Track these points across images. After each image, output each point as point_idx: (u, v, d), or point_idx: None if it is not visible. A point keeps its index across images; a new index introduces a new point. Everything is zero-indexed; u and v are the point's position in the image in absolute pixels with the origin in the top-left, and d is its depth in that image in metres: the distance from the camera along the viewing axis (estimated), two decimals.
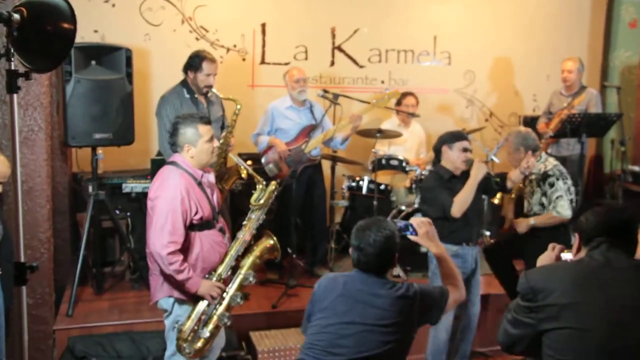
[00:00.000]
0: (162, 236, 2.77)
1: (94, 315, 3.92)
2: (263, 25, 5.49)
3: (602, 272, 2.00)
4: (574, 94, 5.26)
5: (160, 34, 5.19)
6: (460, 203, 3.46)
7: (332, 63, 5.73)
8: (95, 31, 4.98)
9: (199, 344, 2.89)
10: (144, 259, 4.42)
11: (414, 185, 5.01)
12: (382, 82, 5.84)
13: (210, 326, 2.91)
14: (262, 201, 3.09)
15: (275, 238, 3.11)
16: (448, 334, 3.63)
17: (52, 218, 3.82)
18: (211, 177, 3.06)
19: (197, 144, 2.91)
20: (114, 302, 4.15)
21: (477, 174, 3.50)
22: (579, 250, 2.14)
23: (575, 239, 2.16)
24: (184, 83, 4.16)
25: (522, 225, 3.84)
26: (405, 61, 5.90)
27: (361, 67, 5.80)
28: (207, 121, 2.99)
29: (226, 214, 4.28)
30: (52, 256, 3.80)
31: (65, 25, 1.98)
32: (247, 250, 3.06)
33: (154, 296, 3.00)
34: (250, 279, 3.00)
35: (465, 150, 3.57)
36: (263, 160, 4.70)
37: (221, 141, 3.98)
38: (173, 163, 2.95)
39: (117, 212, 4.42)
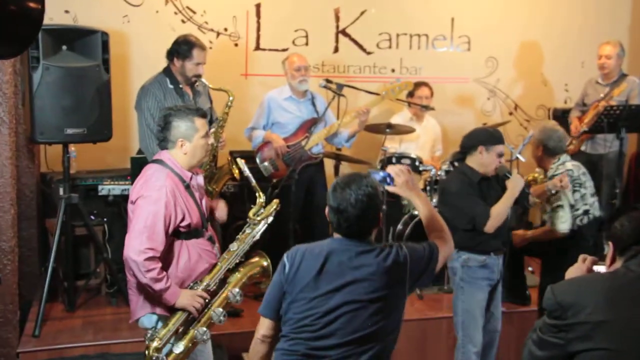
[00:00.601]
0: (139, 241, 2.76)
1: (65, 335, 3.90)
2: (257, 6, 5.47)
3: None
4: (613, 82, 5.24)
5: (141, 16, 5.17)
6: (495, 219, 3.47)
7: (336, 49, 5.71)
8: (67, 12, 4.96)
9: (171, 359, 2.88)
10: (122, 271, 4.40)
11: (428, 187, 4.99)
12: (393, 70, 5.83)
13: (185, 341, 2.89)
14: (259, 218, 3.11)
15: (269, 261, 3.11)
16: (478, 356, 3.63)
17: (17, 224, 3.81)
18: (200, 180, 3.06)
19: (193, 139, 2.91)
20: (87, 319, 4.14)
21: (515, 188, 3.51)
22: (613, 260, 2.12)
23: (609, 248, 2.14)
24: (167, 72, 4.15)
25: (518, 238, 3.83)
26: (418, 47, 5.89)
27: (369, 53, 5.79)
28: (203, 114, 3.00)
29: (216, 221, 4.27)
30: (17, 268, 3.79)
31: (32, 5, 1.96)
32: (238, 265, 3.07)
33: (135, 313, 2.99)
34: (238, 297, 2.99)
35: (500, 155, 3.58)
36: (257, 157, 4.69)
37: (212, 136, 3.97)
38: (159, 161, 2.94)
39: (92, 217, 4.41)
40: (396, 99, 4.93)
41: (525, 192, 3.70)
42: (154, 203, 2.80)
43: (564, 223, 3.82)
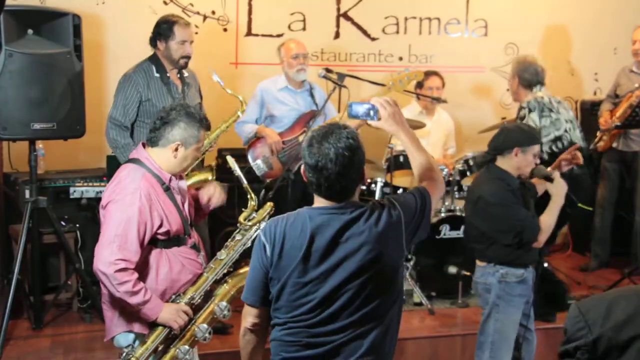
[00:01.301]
0: (109, 251, 2.76)
1: (31, 356, 3.88)
2: None
3: None
4: None
5: None
6: (546, 232, 3.46)
7: (337, 35, 5.71)
8: None
9: None
10: (96, 284, 4.41)
11: None
12: (400, 58, 5.83)
13: None
14: (251, 223, 3.10)
15: None
16: None
17: None
18: (182, 184, 3.06)
19: (190, 147, 2.95)
20: (57, 338, 4.12)
21: (560, 194, 3.49)
22: None
23: None
24: (152, 59, 4.20)
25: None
26: (429, 32, 5.90)
27: (373, 39, 5.79)
28: (208, 127, 3.05)
29: (202, 226, 4.24)
30: None
31: None
32: (226, 275, 3.06)
33: (109, 331, 2.98)
34: (225, 312, 2.98)
35: (535, 156, 3.54)
36: (249, 155, 4.66)
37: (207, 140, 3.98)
38: (135, 160, 2.94)
39: (63, 223, 4.39)
40: (404, 90, 4.88)
41: (570, 197, 3.65)
42: (126, 208, 2.79)
43: None
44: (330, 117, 4.70)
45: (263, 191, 4.45)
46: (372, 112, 2.44)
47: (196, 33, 5.04)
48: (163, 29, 4.12)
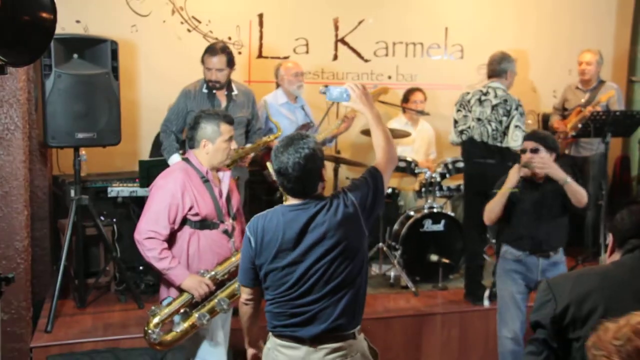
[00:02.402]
0: (144, 223, 2.96)
1: (76, 331, 3.89)
2: (260, 16, 5.47)
3: (636, 280, 1.95)
4: (592, 88, 5.25)
5: (149, 25, 5.16)
6: (487, 209, 3.66)
7: (335, 57, 5.71)
8: (78, 21, 4.95)
9: (168, 337, 2.95)
10: (130, 269, 4.45)
11: (423, 189, 4.99)
12: (389, 77, 5.83)
13: (186, 324, 2.96)
14: None
15: None
16: (514, 342, 3.62)
17: (30, 225, 3.79)
18: (224, 176, 3.15)
19: (216, 141, 3.04)
20: (97, 316, 4.13)
21: (508, 182, 3.59)
22: (612, 252, 2.09)
23: (609, 239, 2.12)
24: None
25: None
26: (414, 55, 5.89)
27: (366, 61, 5.78)
28: (230, 121, 3.10)
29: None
30: (30, 267, 3.78)
31: (44, 15, 1.96)
32: None
33: (160, 296, 3.13)
34: None
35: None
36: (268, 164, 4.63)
37: (240, 149, 3.98)
38: (185, 159, 3.12)
39: (102, 218, 4.39)
40: (392, 104, 4.92)
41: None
42: (162, 191, 2.98)
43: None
44: (316, 128, 4.72)
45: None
46: (345, 95, 2.53)
47: None
48: (203, 55, 4.14)
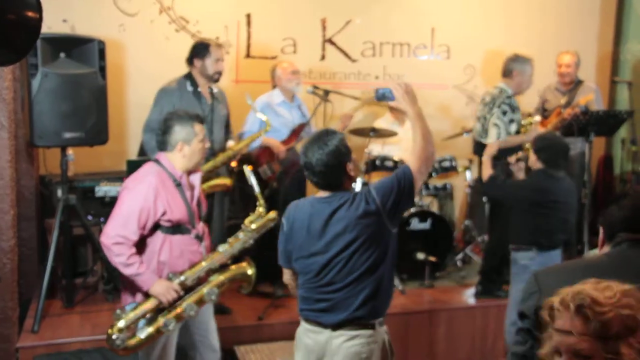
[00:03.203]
0: (112, 227, 2.83)
1: (63, 330, 3.86)
2: (248, 16, 5.46)
3: (622, 273, 1.97)
4: (571, 89, 5.30)
5: (136, 25, 5.14)
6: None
7: (323, 57, 5.72)
8: (64, 21, 4.92)
9: (133, 342, 2.87)
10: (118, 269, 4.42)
11: None
12: (377, 77, 5.84)
13: (151, 329, 2.89)
14: (254, 226, 3.10)
15: (254, 270, 3.11)
16: None
17: (16, 225, 3.76)
18: (195, 178, 3.07)
19: (192, 143, 2.97)
20: (85, 315, 4.10)
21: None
22: (602, 244, 2.11)
23: (600, 234, 2.13)
24: (187, 75, 4.21)
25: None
26: (400, 55, 5.90)
27: (354, 61, 5.79)
28: (202, 120, 3.06)
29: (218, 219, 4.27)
30: (17, 266, 3.75)
31: (30, 14, 1.94)
32: (223, 267, 3.06)
33: (123, 301, 3.03)
34: (212, 297, 2.99)
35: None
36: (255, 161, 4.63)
37: (229, 151, 4.04)
38: (156, 161, 3.00)
39: (90, 217, 4.38)
40: (383, 104, 4.94)
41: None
42: (133, 195, 2.86)
43: None
44: (313, 127, 4.73)
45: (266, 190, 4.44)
46: (390, 95, 2.62)
47: None
48: (200, 49, 4.15)
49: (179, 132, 2.95)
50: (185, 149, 2.95)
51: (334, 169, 2.46)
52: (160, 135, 3.00)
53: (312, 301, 2.52)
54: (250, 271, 3.10)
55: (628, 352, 1.37)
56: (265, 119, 4.24)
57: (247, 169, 3.14)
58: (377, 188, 2.47)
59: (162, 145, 2.99)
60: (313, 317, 2.53)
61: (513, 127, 4.51)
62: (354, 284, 2.45)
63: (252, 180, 3.10)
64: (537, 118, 5.00)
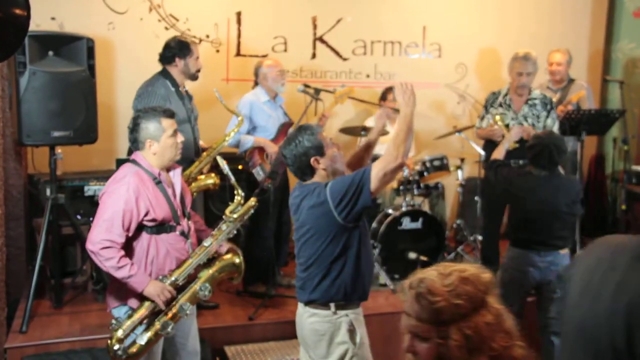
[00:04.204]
0: (97, 232, 2.79)
1: (52, 330, 3.86)
2: (238, 14, 5.47)
3: None
4: (563, 87, 5.34)
5: (126, 23, 5.14)
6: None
7: (314, 55, 5.73)
8: (53, 18, 4.92)
9: (134, 349, 2.86)
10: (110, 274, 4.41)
11: (401, 187, 5.02)
12: (368, 76, 5.87)
13: (150, 333, 2.88)
14: (235, 215, 3.08)
15: (241, 258, 3.11)
16: None
17: (4, 224, 3.77)
18: (175, 174, 3.05)
19: (161, 139, 2.92)
20: (74, 316, 4.10)
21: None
22: None
23: None
24: (164, 74, 4.14)
25: None
26: (392, 53, 5.93)
27: (345, 59, 5.81)
28: (171, 114, 3.00)
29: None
30: (4, 266, 3.75)
31: (18, 12, 1.95)
32: (210, 261, 3.06)
33: (109, 304, 3.00)
34: (206, 292, 2.99)
35: None
36: (249, 163, 4.59)
37: (211, 150, 3.98)
38: (132, 161, 2.96)
39: (79, 217, 4.37)
40: (370, 102, 4.93)
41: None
42: (114, 198, 2.83)
43: None
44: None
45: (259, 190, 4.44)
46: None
47: None
48: (183, 47, 4.11)
49: (145, 129, 2.91)
50: (154, 145, 2.91)
51: (301, 163, 2.75)
52: (130, 134, 2.96)
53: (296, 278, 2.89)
54: (237, 259, 3.08)
55: (457, 337, 1.48)
56: (241, 117, 4.22)
57: (220, 159, 3.12)
58: (332, 182, 2.68)
59: (135, 144, 2.96)
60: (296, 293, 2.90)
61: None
62: (311, 268, 2.75)
63: (227, 170, 3.08)
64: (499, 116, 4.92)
